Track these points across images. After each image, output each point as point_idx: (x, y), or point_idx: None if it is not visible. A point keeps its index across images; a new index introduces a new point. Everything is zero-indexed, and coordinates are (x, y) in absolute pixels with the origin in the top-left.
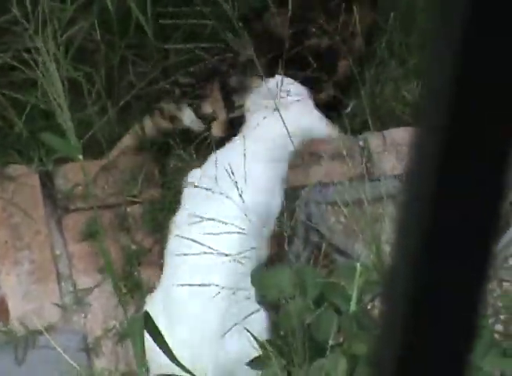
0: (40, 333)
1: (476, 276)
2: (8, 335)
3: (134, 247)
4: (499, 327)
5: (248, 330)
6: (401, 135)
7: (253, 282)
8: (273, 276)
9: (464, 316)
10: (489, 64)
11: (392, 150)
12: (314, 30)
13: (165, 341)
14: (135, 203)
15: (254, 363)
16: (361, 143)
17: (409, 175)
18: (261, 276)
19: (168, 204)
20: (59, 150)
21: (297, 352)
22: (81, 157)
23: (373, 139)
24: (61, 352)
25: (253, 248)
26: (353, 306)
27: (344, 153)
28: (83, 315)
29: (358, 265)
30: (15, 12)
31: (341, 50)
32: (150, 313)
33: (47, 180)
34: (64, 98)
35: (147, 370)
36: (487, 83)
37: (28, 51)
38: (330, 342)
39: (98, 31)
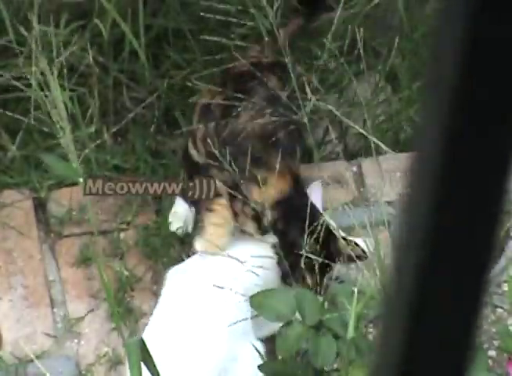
0: (32, 360)
1: (473, 298)
2: (0, 362)
3: (127, 273)
4: (492, 353)
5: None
6: (395, 161)
7: (252, 304)
8: (272, 299)
9: (461, 337)
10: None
11: (386, 176)
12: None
13: (158, 372)
14: (128, 229)
15: None
16: (354, 169)
17: (408, 197)
18: (260, 299)
19: (162, 230)
20: (59, 172)
21: None
22: (81, 179)
23: (368, 165)
24: None
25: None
26: (351, 332)
27: (339, 179)
28: (76, 341)
29: (355, 290)
30: (11, 36)
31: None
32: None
33: (40, 205)
34: (68, 121)
35: None
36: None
37: (20, 77)
38: (328, 368)
39: (90, 54)
